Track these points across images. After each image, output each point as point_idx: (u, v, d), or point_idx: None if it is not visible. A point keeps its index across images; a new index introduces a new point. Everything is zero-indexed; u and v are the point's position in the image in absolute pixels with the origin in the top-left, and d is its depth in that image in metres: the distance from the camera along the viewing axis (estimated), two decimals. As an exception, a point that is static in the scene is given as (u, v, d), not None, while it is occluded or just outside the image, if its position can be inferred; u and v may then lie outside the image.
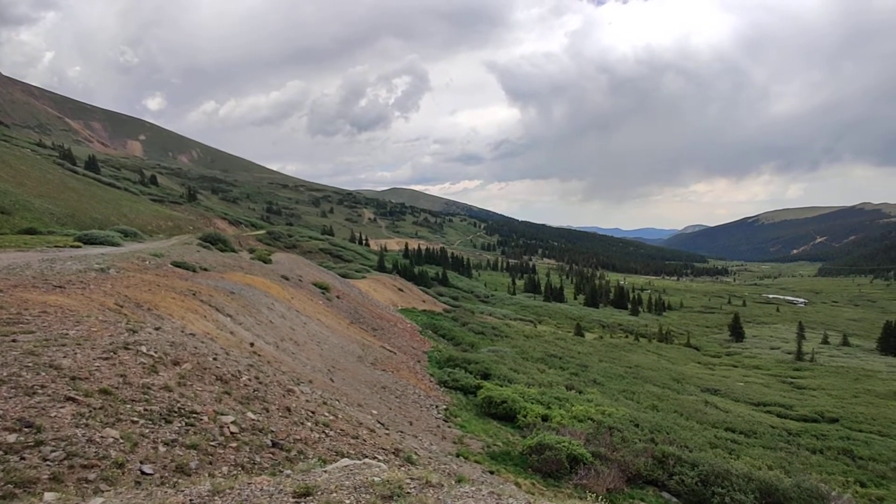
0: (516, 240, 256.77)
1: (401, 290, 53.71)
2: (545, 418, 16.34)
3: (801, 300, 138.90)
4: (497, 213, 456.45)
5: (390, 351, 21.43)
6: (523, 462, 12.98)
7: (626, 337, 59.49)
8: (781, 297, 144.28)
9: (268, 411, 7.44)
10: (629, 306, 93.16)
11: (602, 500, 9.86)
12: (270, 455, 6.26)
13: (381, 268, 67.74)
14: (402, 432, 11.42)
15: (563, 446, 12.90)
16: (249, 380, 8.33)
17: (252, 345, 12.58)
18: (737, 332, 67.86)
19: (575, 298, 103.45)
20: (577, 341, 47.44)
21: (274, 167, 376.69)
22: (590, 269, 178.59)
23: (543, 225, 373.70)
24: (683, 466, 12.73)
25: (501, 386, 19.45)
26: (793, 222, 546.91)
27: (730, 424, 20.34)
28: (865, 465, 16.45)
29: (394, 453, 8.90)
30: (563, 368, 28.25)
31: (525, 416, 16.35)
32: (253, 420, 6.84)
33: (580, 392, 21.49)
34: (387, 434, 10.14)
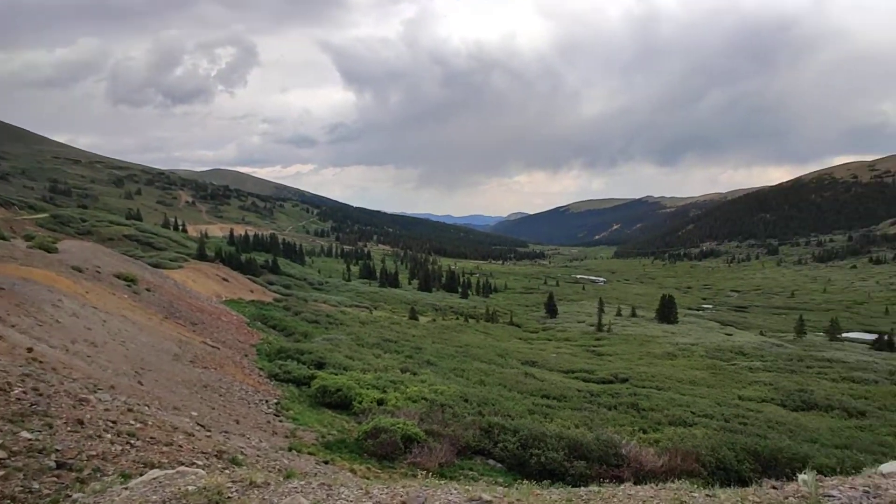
0: (351, 226, 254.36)
1: (225, 279, 49.61)
2: (381, 402, 16.48)
3: (602, 279, 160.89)
4: (331, 199, 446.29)
5: (213, 346, 19.64)
6: (359, 448, 12.92)
7: (457, 319, 62.76)
8: (587, 276, 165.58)
9: (51, 427, 6.25)
10: (460, 290, 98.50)
11: (433, 474, 10.25)
12: (55, 478, 5.28)
13: (201, 256, 61.67)
14: (226, 432, 10.53)
15: (398, 428, 13.13)
16: (24, 392, 6.91)
17: (30, 350, 10.47)
18: (551, 310, 75.95)
19: (409, 283, 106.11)
20: (411, 325, 48.75)
21: (61, 139, 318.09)
22: (423, 254, 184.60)
23: (379, 211, 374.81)
24: (506, 434, 13.82)
25: (336, 374, 19.12)
26: (596, 211, 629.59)
27: (545, 391, 22.65)
28: (647, 415, 19.67)
29: (216, 456, 8.16)
30: (398, 352, 28.78)
31: (360, 403, 16.29)
32: (29, 440, 5.69)
33: (414, 374, 22.10)
34: (208, 436, 9.25)
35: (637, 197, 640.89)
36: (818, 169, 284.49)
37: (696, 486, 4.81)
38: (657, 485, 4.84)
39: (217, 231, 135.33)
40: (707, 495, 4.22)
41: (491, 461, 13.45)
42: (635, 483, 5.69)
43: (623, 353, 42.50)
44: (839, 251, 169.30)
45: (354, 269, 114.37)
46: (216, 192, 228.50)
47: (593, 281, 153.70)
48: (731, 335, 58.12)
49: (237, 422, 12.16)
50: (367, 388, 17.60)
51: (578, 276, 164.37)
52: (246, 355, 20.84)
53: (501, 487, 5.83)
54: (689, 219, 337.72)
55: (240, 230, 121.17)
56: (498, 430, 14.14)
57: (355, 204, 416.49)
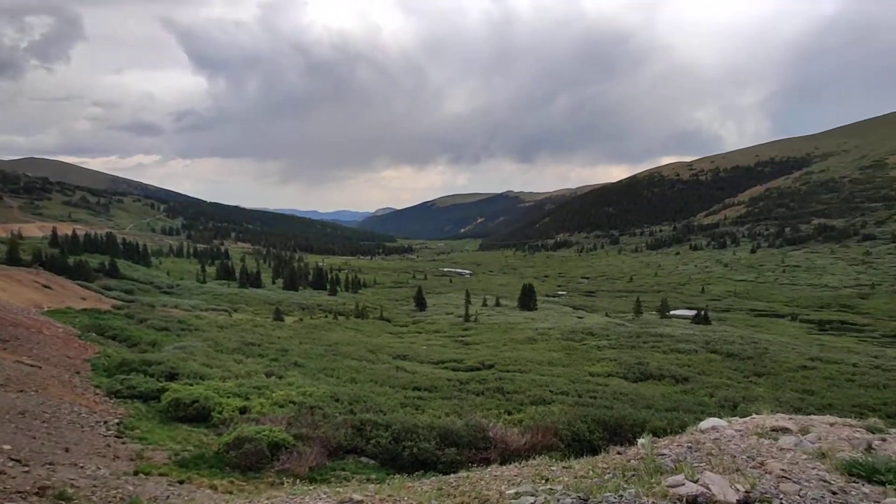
0: (205, 223, 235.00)
1: (47, 286, 42.90)
2: (244, 411, 15.42)
3: (468, 272, 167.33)
4: (181, 194, 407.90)
5: (32, 365, 16.79)
6: (220, 461, 11.97)
7: (326, 317, 61.07)
8: (454, 269, 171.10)
9: None
10: (328, 287, 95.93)
11: (302, 480, 9.83)
12: None
13: (12, 260, 52.58)
14: (51, 464, 9.06)
15: (264, 435, 12.39)
16: None
17: None
18: (420, 303, 77.14)
19: (273, 283, 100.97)
20: (276, 326, 46.41)
21: None
22: (288, 251, 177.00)
23: (237, 207, 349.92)
24: (379, 430, 13.73)
25: (192, 385, 17.49)
26: (461, 206, 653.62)
27: (416, 384, 22.92)
28: (511, 397, 20.84)
29: (37, 494, 6.98)
30: (262, 356, 27.19)
31: (221, 413, 15.09)
32: None
33: (281, 377, 21.05)
34: (26, 472, 7.87)
35: (499, 192, 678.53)
36: (650, 168, 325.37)
37: (554, 459, 5.16)
38: (521, 463, 5.10)
39: (35, 231, 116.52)
40: (564, 467, 4.52)
41: (364, 459, 13.27)
42: (502, 463, 5.95)
43: (489, 340, 44.64)
44: (666, 240, 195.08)
45: (210, 269, 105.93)
46: (32, 184, 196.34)
47: (460, 273, 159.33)
48: (582, 318, 64.03)
49: (67, 450, 10.53)
50: (228, 397, 16.35)
51: (446, 270, 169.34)
52: (77, 372, 18.16)
53: (373, 485, 5.72)
54: (544, 212, 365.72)
55: (66, 229, 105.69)
56: (370, 426, 14.00)
57: (210, 199, 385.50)
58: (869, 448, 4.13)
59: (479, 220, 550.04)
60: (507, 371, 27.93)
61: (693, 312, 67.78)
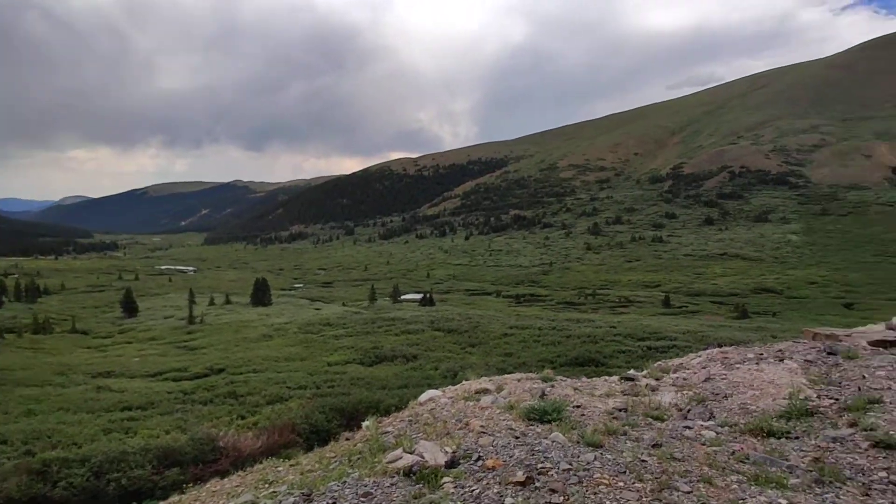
0: None
1: None
2: None
3: (192, 268, 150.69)
4: None
5: None
6: None
7: (-14, 336, 47.22)
8: (174, 267, 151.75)
9: None
10: (-10, 297, 74.28)
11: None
12: None
13: None
14: None
15: None
16: None
17: None
18: (129, 308, 65.95)
19: None
20: None
21: None
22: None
23: None
24: (72, 467, 11.24)
25: None
26: (181, 195, 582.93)
27: (126, 403, 19.57)
28: (245, 400, 19.49)
29: None
30: None
31: None
32: None
33: None
34: None
35: (226, 181, 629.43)
36: (380, 161, 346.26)
37: (283, 459, 4.94)
38: (245, 470, 4.74)
39: None
40: (291, 465, 4.36)
41: (49, 507, 10.67)
42: (235, 471, 5.45)
43: (218, 342, 41.06)
44: (397, 230, 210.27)
45: None
46: None
47: (182, 271, 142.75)
48: (319, 309, 64.13)
49: None
50: None
51: (164, 268, 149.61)
52: None
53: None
54: (277, 203, 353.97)
55: None
56: (58, 465, 11.32)
57: None
58: (543, 395, 5.09)
59: (204, 212, 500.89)
60: (240, 373, 26.12)
61: (420, 296, 74.83)
